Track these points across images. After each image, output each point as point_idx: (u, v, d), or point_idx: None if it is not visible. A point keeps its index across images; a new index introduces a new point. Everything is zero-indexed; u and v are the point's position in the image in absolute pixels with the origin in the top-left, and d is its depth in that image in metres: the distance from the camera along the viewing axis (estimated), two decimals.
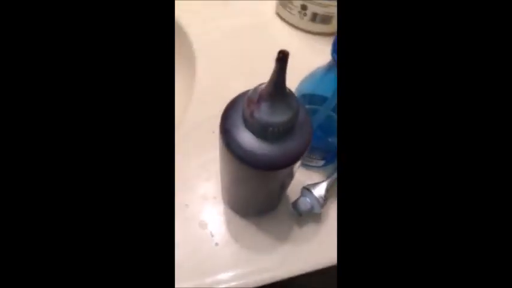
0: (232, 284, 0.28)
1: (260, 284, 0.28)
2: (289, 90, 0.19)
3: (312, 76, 0.31)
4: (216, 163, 0.30)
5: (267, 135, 0.19)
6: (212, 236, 0.30)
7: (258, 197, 0.27)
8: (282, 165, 0.21)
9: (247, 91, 0.22)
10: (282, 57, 0.16)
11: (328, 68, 0.28)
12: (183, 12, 0.42)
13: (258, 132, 0.19)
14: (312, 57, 0.30)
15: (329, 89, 0.28)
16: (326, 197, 0.29)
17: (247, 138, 0.20)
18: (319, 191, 0.29)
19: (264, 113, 0.18)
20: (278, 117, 0.18)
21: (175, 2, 0.42)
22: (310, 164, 0.33)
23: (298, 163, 0.22)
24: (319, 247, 0.30)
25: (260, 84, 0.19)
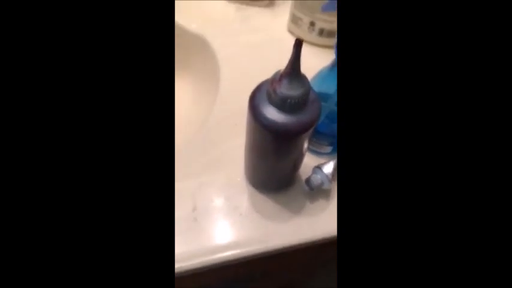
0: (253, 247, 0.33)
1: (276, 247, 0.33)
2: (303, 73, 0.25)
3: (316, 76, 0.37)
4: (239, 149, 0.36)
5: (285, 107, 0.25)
6: (236, 208, 0.35)
7: (277, 170, 0.33)
8: (297, 132, 0.26)
9: (268, 79, 0.28)
10: (298, 43, 0.22)
11: (331, 67, 0.35)
12: (208, 29, 0.50)
13: (279, 105, 0.25)
14: (319, 66, 0.37)
15: (332, 86, 0.34)
16: (333, 174, 0.34)
17: (270, 111, 0.26)
18: (328, 168, 0.34)
19: (284, 88, 0.24)
20: (294, 91, 0.24)
21: (204, 21, 0.50)
22: (319, 151, 0.39)
23: (309, 135, 0.28)
24: (327, 219, 0.35)
25: (280, 70, 0.25)
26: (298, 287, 0.98)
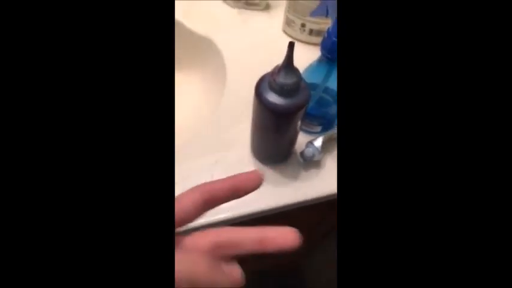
0: (258, 205, 0.42)
1: (281, 204, 0.42)
2: (295, 66, 0.33)
3: (307, 69, 0.45)
4: (246, 132, 0.44)
5: (283, 92, 0.34)
6: None
7: (277, 145, 0.41)
8: (293, 112, 0.35)
9: (269, 71, 0.36)
10: (291, 45, 0.30)
11: (318, 61, 0.43)
12: (213, 31, 0.58)
13: (278, 91, 0.34)
14: (309, 60, 0.45)
15: (319, 77, 0.43)
16: (323, 147, 0.43)
17: (271, 96, 0.34)
18: (318, 142, 0.43)
19: (281, 77, 0.33)
20: (289, 79, 0.33)
21: (209, 24, 0.58)
22: (311, 131, 0.47)
23: (301, 114, 0.36)
24: (318, 184, 0.44)
25: (278, 64, 0.34)
26: (299, 264, 1.07)
